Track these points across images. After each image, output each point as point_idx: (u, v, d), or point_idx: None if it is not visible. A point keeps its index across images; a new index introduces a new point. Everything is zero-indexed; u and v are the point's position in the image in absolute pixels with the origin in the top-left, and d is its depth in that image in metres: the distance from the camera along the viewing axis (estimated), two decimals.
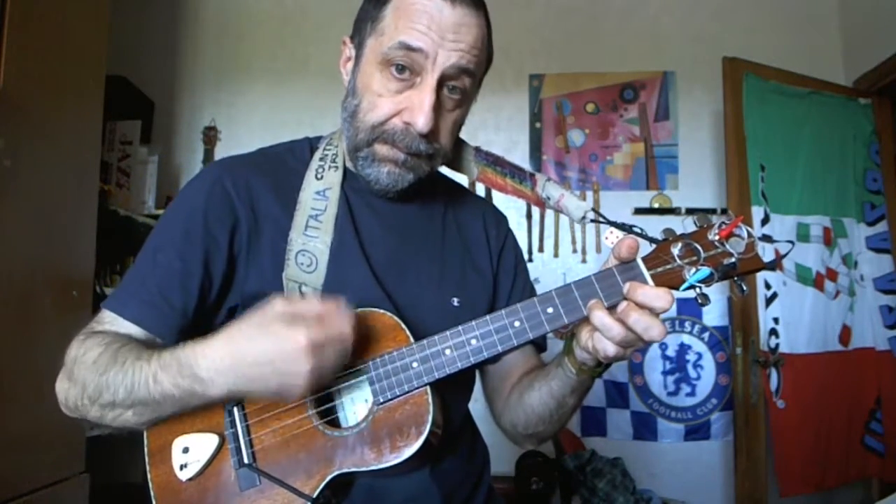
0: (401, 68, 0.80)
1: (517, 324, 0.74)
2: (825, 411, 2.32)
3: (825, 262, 2.42)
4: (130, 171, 2.51)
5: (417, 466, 0.81)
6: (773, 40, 2.76)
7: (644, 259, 0.72)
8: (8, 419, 1.52)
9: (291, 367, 0.67)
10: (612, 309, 0.71)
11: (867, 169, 2.59)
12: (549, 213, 2.78)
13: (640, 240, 0.74)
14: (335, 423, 0.79)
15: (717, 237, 0.71)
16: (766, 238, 1.94)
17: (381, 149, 0.84)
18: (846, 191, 2.53)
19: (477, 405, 1.00)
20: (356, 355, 0.77)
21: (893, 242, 2.56)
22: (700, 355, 2.73)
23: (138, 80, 2.71)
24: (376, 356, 0.76)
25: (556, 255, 2.78)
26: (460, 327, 0.75)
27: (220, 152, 2.88)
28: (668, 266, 0.72)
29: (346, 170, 0.91)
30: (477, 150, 0.96)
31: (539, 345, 0.99)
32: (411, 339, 0.77)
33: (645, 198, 2.80)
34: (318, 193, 0.88)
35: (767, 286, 2.28)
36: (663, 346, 2.75)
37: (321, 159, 0.91)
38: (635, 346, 0.71)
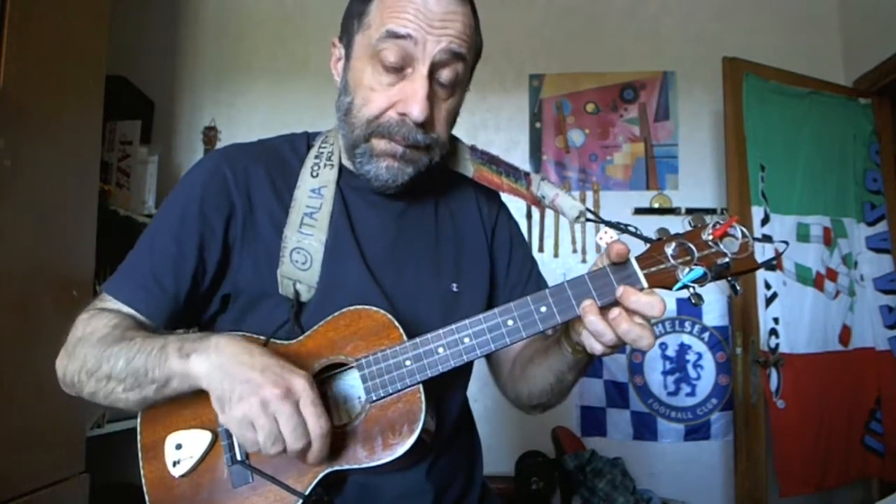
0: (391, 66, 0.80)
1: (510, 322, 0.74)
2: (825, 411, 2.32)
3: (825, 262, 2.42)
4: (130, 171, 2.51)
5: (410, 464, 0.81)
6: (773, 40, 2.76)
7: (638, 258, 0.73)
8: (8, 419, 1.53)
9: (261, 391, 0.67)
10: (605, 309, 0.71)
11: (867, 169, 2.58)
12: (549, 214, 2.77)
13: (633, 238, 0.74)
14: None
15: (710, 237, 0.72)
16: (766, 238, 1.93)
17: (379, 143, 0.84)
18: (846, 191, 2.53)
19: (477, 405, 1.00)
20: (350, 353, 0.77)
21: (893, 242, 2.56)
22: (700, 355, 2.73)
23: (138, 80, 2.71)
24: (369, 354, 0.76)
25: (555, 254, 2.78)
26: (454, 325, 0.75)
27: None
28: (662, 266, 0.72)
29: (342, 168, 0.92)
30: (472, 148, 0.96)
31: None
32: (404, 337, 0.77)
33: (645, 198, 2.80)
34: (314, 191, 0.88)
35: (767, 286, 2.27)
36: (663, 346, 2.74)
37: (316, 157, 0.91)
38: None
